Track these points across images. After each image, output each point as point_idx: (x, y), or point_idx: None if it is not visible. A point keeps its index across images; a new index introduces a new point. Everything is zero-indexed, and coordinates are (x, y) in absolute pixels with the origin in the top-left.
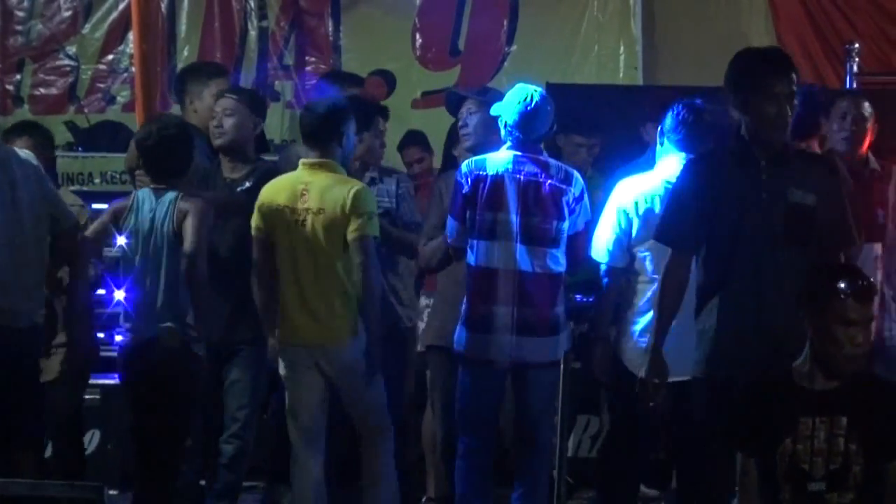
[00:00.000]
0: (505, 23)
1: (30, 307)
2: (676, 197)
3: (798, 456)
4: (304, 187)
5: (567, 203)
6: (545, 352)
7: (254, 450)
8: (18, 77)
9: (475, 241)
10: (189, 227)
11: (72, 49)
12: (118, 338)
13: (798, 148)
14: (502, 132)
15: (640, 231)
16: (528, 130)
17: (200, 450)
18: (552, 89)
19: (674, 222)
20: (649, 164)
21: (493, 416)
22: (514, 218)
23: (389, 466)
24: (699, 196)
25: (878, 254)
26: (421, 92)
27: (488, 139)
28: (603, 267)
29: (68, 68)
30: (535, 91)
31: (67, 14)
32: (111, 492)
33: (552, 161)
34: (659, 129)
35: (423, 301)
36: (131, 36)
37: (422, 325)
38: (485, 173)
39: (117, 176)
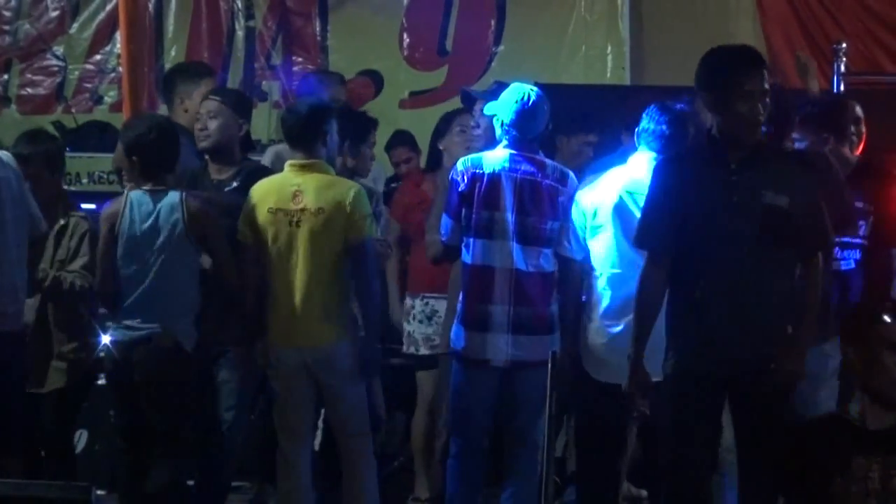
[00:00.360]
0: (492, 23)
1: (16, 309)
2: (650, 201)
3: (851, 498)
4: (297, 188)
5: (562, 203)
6: (541, 350)
7: (241, 450)
8: (6, 77)
9: (472, 240)
10: (214, 235)
11: (59, 49)
12: (105, 338)
13: (773, 146)
14: (498, 131)
15: (593, 227)
16: (525, 129)
17: (188, 450)
18: (540, 89)
19: (650, 227)
20: (620, 162)
21: (488, 415)
22: (511, 217)
23: (370, 471)
24: (670, 198)
25: None
26: (408, 92)
27: (497, 142)
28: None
29: (56, 68)
30: (532, 90)
31: (55, 14)
32: (99, 492)
33: (548, 160)
34: (636, 130)
35: (408, 301)
36: (119, 36)
37: (407, 328)
38: (481, 171)
39: (105, 176)
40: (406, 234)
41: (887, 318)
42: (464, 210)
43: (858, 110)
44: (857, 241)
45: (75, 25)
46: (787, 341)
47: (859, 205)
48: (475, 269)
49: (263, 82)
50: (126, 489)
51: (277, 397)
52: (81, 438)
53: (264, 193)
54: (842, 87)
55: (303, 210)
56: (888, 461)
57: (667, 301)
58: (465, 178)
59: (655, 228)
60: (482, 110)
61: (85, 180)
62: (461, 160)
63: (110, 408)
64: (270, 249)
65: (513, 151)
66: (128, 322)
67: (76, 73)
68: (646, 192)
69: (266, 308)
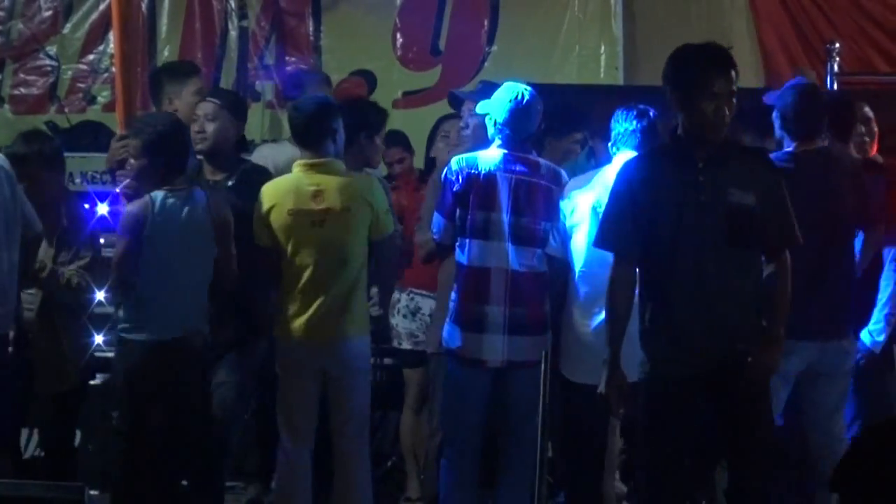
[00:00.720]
0: (485, 23)
1: (5, 311)
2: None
3: None
4: (317, 188)
5: (556, 203)
6: (536, 350)
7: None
8: None
9: (467, 241)
10: (228, 233)
11: (52, 49)
12: (99, 338)
13: (740, 145)
14: (490, 130)
15: (571, 225)
16: (519, 129)
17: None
18: (533, 89)
19: (614, 227)
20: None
21: (481, 416)
22: (506, 217)
23: (364, 473)
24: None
25: None
26: (402, 92)
27: (487, 142)
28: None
29: (49, 68)
30: (526, 89)
31: (48, 14)
32: (92, 492)
33: (541, 160)
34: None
35: (395, 295)
36: (112, 36)
37: (392, 321)
38: (477, 171)
39: (98, 176)
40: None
41: None
42: (458, 210)
43: (868, 110)
44: None
45: (68, 25)
46: (764, 337)
47: None
48: (471, 269)
49: (257, 82)
50: (123, 489)
51: (284, 397)
52: (74, 438)
53: (280, 195)
54: (835, 87)
55: (327, 210)
56: None
57: (637, 303)
58: (461, 177)
59: (617, 229)
60: (471, 111)
61: (78, 180)
62: (455, 159)
63: (110, 408)
64: (290, 250)
65: (506, 151)
66: (155, 324)
67: (69, 72)
68: None
69: (282, 308)
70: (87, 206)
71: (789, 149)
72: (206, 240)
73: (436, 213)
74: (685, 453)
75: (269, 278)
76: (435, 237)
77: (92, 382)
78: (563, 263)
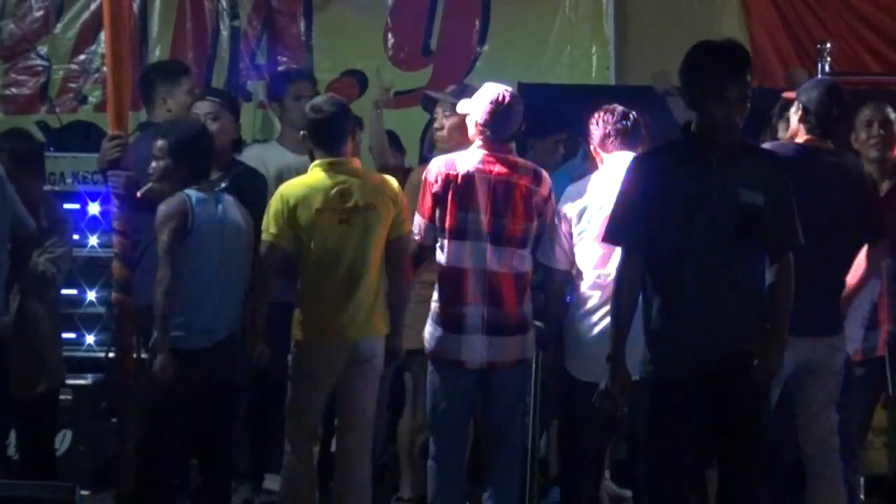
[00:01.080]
0: (477, 23)
1: None
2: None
3: None
4: (343, 187)
5: (536, 204)
6: (515, 350)
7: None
8: None
9: (445, 241)
10: (253, 233)
11: (43, 49)
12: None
13: (750, 143)
14: (471, 130)
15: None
16: (499, 129)
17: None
18: (524, 89)
19: (622, 222)
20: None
21: (465, 416)
22: (484, 218)
23: (364, 471)
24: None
25: None
26: (393, 92)
27: (465, 142)
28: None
29: (40, 68)
30: (507, 90)
31: (39, 14)
32: (83, 492)
33: (521, 160)
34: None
35: None
36: (103, 36)
37: None
38: (455, 172)
39: (89, 176)
40: None
41: None
42: (437, 211)
43: (889, 111)
44: None
45: (59, 25)
46: (768, 339)
47: None
48: (449, 270)
49: (248, 82)
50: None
51: (298, 398)
52: (66, 439)
53: (304, 194)
54: None
55: (354, 208)
56: None
57: (642, 301)
58: (439, 178)
59: (627, 223)
60: (444, 112)
61: (69, 180)
62: (434, 161)
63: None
64: (315, 250)
65: (486, 151)
66: (206, 325)
67: (60, 72)
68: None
69: (306, 309)
70: (77, 206)
71: (800, 140)
72: (243, 240)
73: (416, 215)
74: (685, 453)
75: (266, 280)
76: (416, 237)
77: (83, 383)
78: (564, 275)
